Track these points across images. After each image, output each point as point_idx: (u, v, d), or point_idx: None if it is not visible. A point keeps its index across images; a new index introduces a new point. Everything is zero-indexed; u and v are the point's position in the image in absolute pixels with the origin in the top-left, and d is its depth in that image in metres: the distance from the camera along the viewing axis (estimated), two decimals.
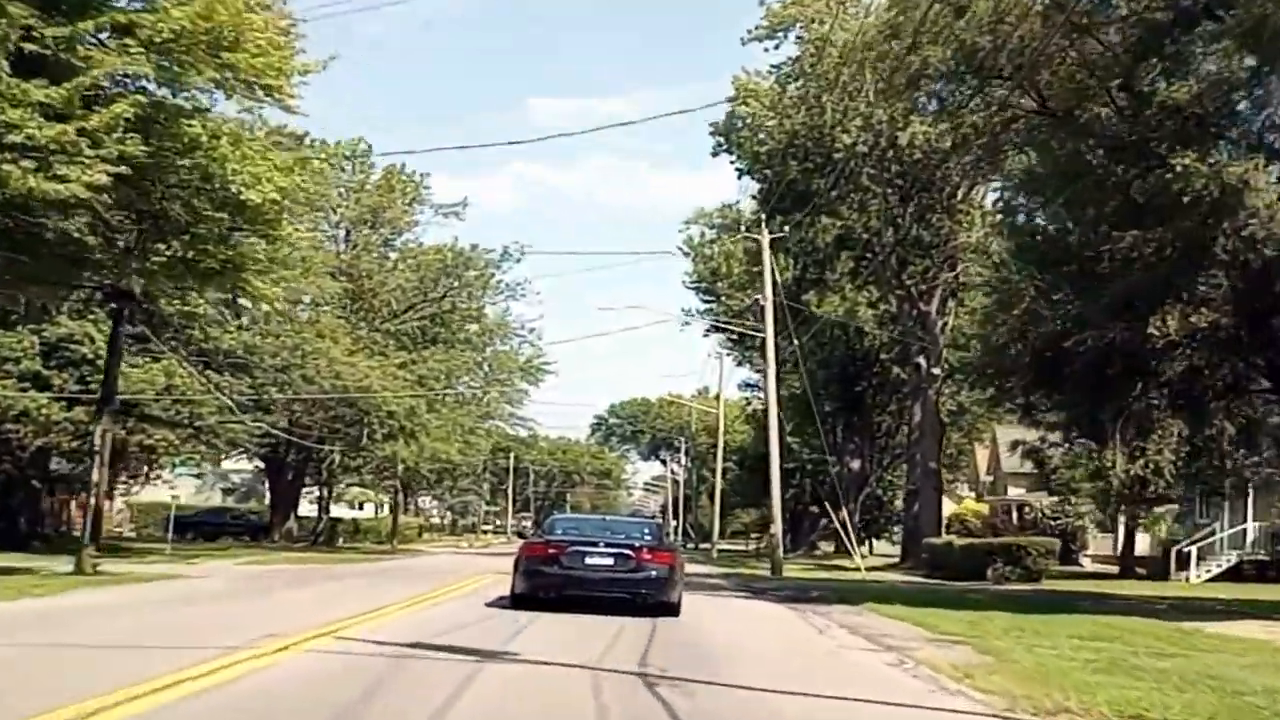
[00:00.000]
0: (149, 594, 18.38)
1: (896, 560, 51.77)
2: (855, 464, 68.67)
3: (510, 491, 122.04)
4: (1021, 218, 27.57)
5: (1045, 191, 26.00)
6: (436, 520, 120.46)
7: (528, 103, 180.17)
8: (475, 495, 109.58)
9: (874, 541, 74.56)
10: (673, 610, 17.11)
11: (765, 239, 38.91)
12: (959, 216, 44.69)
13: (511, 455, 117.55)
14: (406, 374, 49.00)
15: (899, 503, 78.65)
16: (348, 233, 54.39)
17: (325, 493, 60.26)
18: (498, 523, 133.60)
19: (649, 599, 16.95)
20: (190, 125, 20.83)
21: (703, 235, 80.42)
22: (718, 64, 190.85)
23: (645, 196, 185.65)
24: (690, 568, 43.48)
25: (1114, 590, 30.75)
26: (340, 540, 69.75)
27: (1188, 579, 36.26)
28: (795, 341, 44.97)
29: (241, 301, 49.78)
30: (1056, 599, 27.34)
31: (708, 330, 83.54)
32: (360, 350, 47.82)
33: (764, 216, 41.32)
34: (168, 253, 21.77)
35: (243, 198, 20.73)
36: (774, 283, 38.09)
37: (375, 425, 48.29)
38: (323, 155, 23.14)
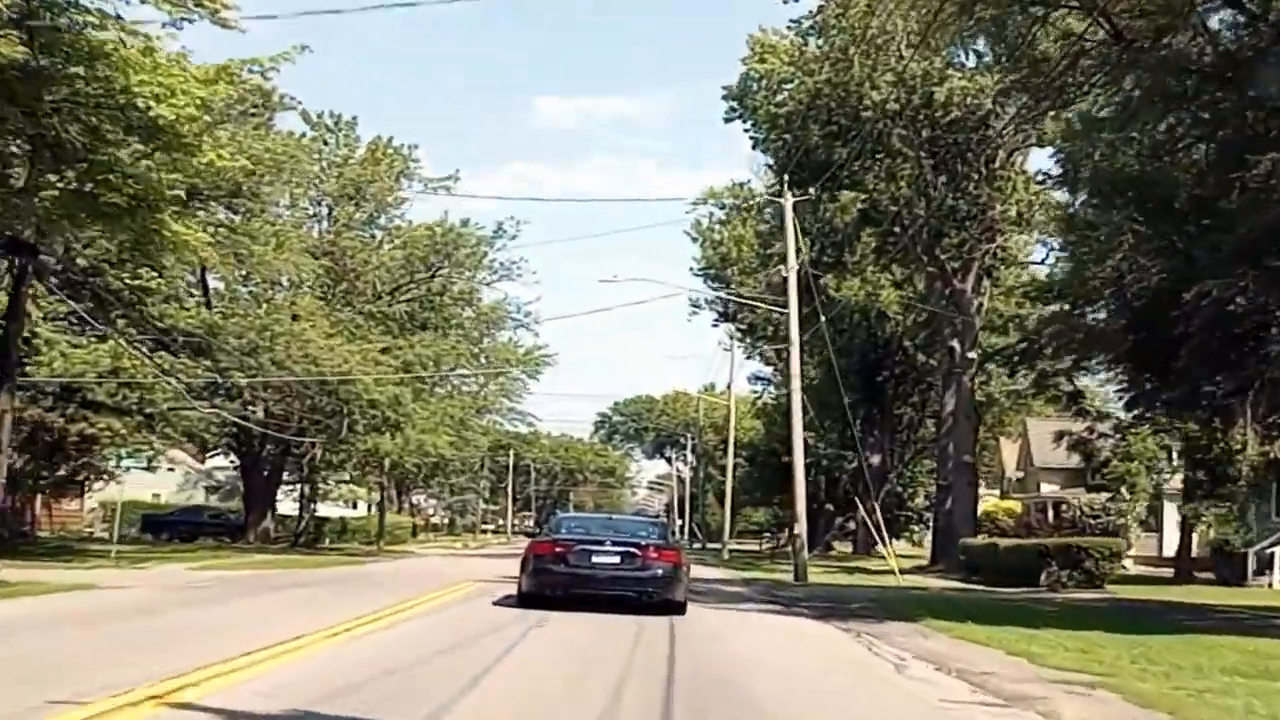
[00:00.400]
0: (17, 613, 14.15)
1: (925, 562, 47.48)
2: (875, 459, 64.23)
3: (510, 490, 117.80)
4: (1099, 157, 23.27)
5: (1135, 125, 21.71)
6: (437, 520, 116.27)
7: (533, 102, 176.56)
8: (474, 493, 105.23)
9: (894, 541, 70.24)
10: (679, 608, 17.13)
11: (788, 202, 34.72)
12: (999, 184, 40.36)
13: (511, 452, 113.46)
14: (390, 360, 44.74)
15: (920, 499, 74.37)
16: (330, 210, 50.14)
17: (307, 490, 55.99)
18: (499, 522, 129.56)
19: (655, 597, 17.04)
20: (91, 24, 16.62)
21: (711, 217, 76.34)
22: (722, 60, 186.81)
23: (649, 192, 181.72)
24: (702, 571, 39.20)
25: (1203, 600, 26.43)
26: (327, 541, 65.58)
27: (1270, 584, 31.99)
28: (817, 322, 40.73)
29: (214, 284, 45.85)
30: (1142, 611, 23.12)
31: (717, 319, 79.46)
32: (339, 333, 43.59)
33: (785, 177, 37.03)
34: (60, 184, 17.51)
35: (153, 114, 16.48)
36: (798, 249, 33.90)
37: (356, 415, 44.07)
38: (254, 64, 18.84)
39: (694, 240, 77.94)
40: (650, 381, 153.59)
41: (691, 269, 77.96)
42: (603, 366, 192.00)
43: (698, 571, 37.69)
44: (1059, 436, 41.80)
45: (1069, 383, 42.61)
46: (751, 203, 43.22)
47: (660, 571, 17.24)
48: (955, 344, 43.61)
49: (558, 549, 17.46)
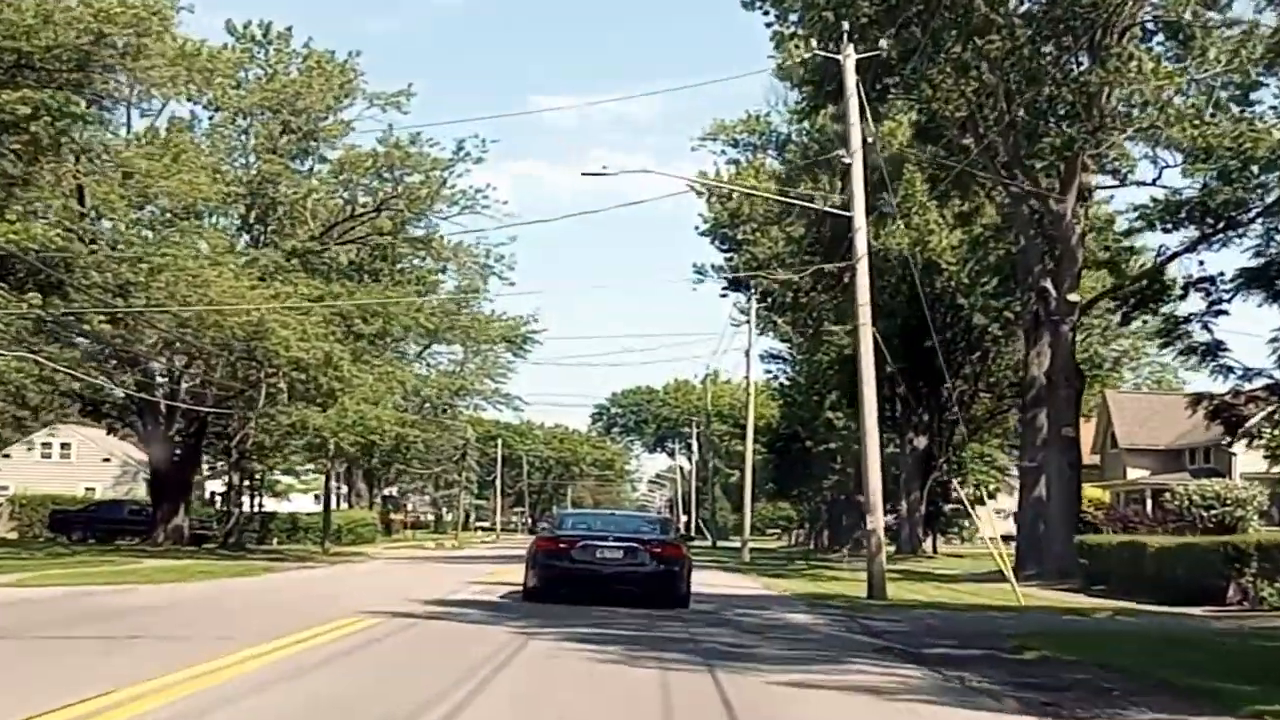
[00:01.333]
0: None
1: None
2: (921, 441, 54.43)
3: (499, 483, 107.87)
4: None
5: None
6: (422, 516, 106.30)
7: (529, 100, 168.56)
8: (460, 487, 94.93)
9: (937, 539, 60.12)
10: (682, 602, 17.29)
11: (849, 60, 24.83)
12: (1116, 65, 30.30)
13: (500, 442, 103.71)
14: (323, 310, 34.82)
15: (969, 489, 64.15)
16: (248, 126, 39.96)
17: (236, 478, 46.03)
18: (498, 519, 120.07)
19: (659, 592, 17.24)
20: None
21: (722, 155, 66.39)
22: (722, 60, 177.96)
23: (648, 192, 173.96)
24: (727, 580, 29.19)
25: None
26: (275, 540, 55.64)
27: None
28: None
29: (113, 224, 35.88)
30: None
31: (726, 288, 69.60)
32: (254, 276, 33.78)
33: (845, 28, 26.96)
34: None
35: None
36: (862, 114, 24.10)
37: (277, 380, 34.28)
38: None
39: (699, 195, 68.11)
40: (653, 359, 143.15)
41: (696, 228, 68.24)
42: (599, 344, 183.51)
43: (727, 581, 28.11)
44: (1195, 401, 31.96)
45: (1206, 330, 32.90)
46: (802, 57, 32.74)
47: (663, 566, 17.44)
48: (1048, 285, 33.65)
49: (562, 545, 17.70)
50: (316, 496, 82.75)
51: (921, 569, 38.98)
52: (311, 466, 60.90)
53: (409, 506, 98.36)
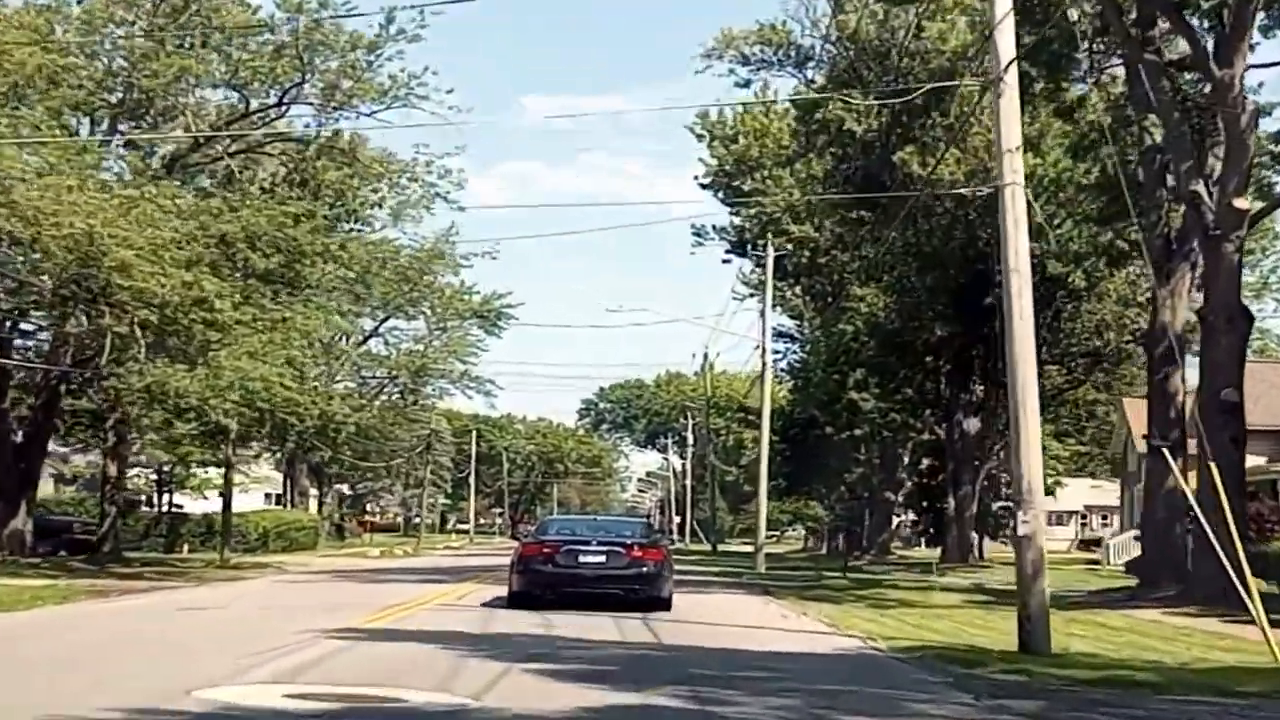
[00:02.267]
0: None
1: (1126, 581, 27.92)
2: (972, 424, 44.67)
3: (472, 482, 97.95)
4: None
5: None
6: (401, 519, 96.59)
7: (521, 101, 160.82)
8: (427, 485, 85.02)
9: (983, 544, 50.10)
10: (664, 605, 17.67)
11: None
12: None
13: (474, 435, 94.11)
14: (192, 231, 25.00)
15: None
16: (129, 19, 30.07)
17: (116, 468, 36.02)
18: (480, 521, 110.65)
19: (641, 594, 17.62)
20: None
21: (720, 114, 56.96)
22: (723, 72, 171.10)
23: (643, 194, 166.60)
24: (756, 610, 18.92)
25: None
26: (186, 547, 45.77)
27: None
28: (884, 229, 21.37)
29: None
30: None
31: (730, 250, 60.20)
32: (89, 179, 24.04)
33: None
34: None
35: None
36: None
37: (127, 324, 24.55)
38: None
39: (699, 139, 58.61)
40: (646, 321, 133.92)
41: (696, 178, 58.76)
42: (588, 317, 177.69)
43: (760, 614, 18.34)
44: None
45: None
46: None
47: (646, 569, 17.76)
48: (1201, 189, 23.92)
49: (545, 550, 17.94)
50: (267, 495, 72.82)
51: (999, 584, 29.12)
52: (258, 454, 51.54)
53: (368, 507, 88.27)
